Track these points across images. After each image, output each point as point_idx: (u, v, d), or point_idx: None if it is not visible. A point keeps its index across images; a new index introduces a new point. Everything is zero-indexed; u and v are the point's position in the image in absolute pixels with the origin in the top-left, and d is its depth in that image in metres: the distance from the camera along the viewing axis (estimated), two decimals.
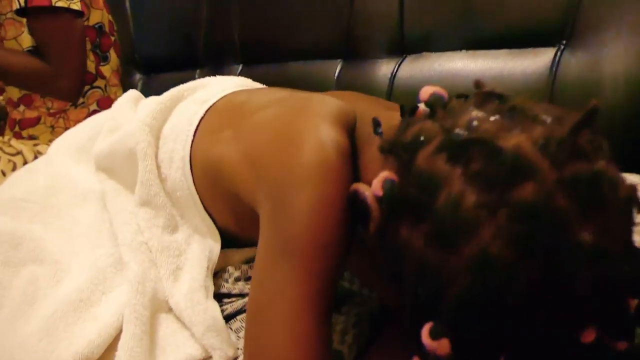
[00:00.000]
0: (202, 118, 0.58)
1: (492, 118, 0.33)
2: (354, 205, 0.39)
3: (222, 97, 0.61)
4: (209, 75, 1.18)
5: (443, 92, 0.38)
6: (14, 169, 0.88)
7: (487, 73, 0.82)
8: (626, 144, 0.65)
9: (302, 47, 1.05)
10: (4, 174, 0.87)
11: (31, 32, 0.93)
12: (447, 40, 0.87)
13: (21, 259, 0.56)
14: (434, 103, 0.37)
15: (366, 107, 0.50)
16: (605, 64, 0.70)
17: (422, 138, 0.35)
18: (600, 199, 0.30)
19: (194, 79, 1.22)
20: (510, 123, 0.32)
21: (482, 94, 0.36)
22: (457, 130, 0.33)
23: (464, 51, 0.85)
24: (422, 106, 0.38)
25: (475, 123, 0.33)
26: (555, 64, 0.74)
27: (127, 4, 1.28)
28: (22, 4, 0.87)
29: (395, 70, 0.92)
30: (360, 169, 0.43)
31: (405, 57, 0.92)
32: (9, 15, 0.93)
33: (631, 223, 0.32)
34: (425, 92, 0.37)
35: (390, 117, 0.41)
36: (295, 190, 0.40)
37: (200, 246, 0.56)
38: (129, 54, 1.26)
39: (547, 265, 0.29)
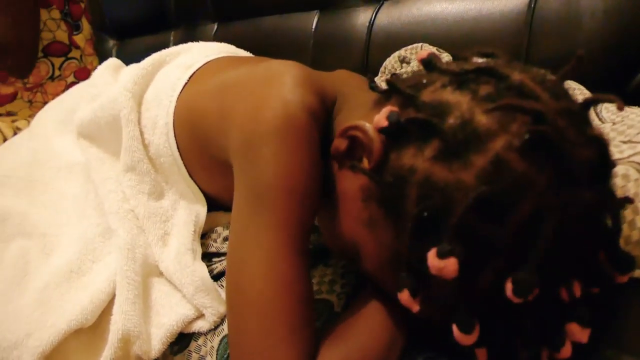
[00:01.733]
0: (186, 84, 0.58)
1: (491, 62, 0.35)
2: (349, 144, 0.39)
3: (206, 63, 0.61)
4: (184, 37, 1.17)
5: (438, 53, 0.40)
6: None
7: (466, 15, 0.80)
8: (604, 76, 0.65)
9: (276, 0, 1.02)
10: None
11: None
12: None
13: (9, 234, 0.57)
14: (432, 59, 0.38)
15: (358, 84, 0.51)
16: None
17: (424, 81, 0.37)
18: (589, 129, 0.33)
19: (169, 41, 1.21)
20: (509, 65, 0.35)
21: (477, 51, 0.38)
22: (464, 67, 0.35)
23: None
24: (406, 75, 0.41)
25: (477, 65, 0.35)
26: (533, 0, 0.73)
27: None
28: None
29: (373, 18, 0.90)
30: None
31: (383, 3, 0.90)
32: None
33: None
34: (423, 52, 0.39)
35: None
36: (262, 143, 0.41)
37: (187, 211, 0.57)
38: (99, 19, 1.21)
39: (557, 173, 0.30)
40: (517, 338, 0.34)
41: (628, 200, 0.35)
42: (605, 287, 0.36)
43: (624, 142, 0.46)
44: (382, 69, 0.82)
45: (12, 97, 0.98)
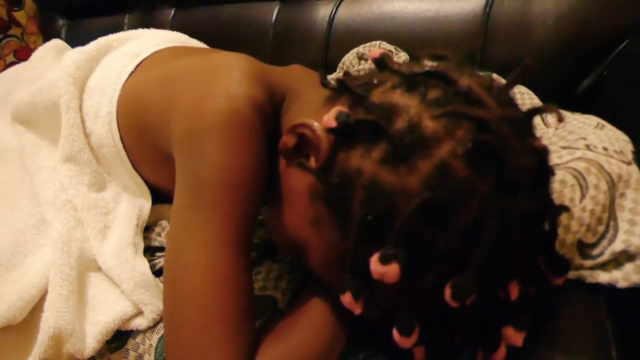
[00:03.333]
0: (132, 72, 0.55)
1: (442, 65, 0.35)
2: (297, 142, 0.39)
3: (155, 52, 0.58)
4: (139, 21, 1.13)
5: (390, 54, 0.39)
6: None
7: (424, 15, 0.81)
8: (553, 77, 0.68)
9: None
10: None
11: None
12: None
13: None
14: (384, 59, 0.38)
15: (310, 80, 0.50)
16: (535, 2, 0.71)
17: (375, 81, 0.36)
18: (532, 137, 0.33)
19: (122, 24, 1.16)
20: (458, 70, 0.35)
21: (429, 53, 0.37)
22: (413, 70, 0.35)
23: None
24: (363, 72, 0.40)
25: (428, 66, 0.35)
26: (488, 4, 0.74)
27: None
28: None
29: (333, 13, 0.89)
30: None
31: None
32: None
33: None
34: (376, 51, 0.38)
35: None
36: (204, 136, 0.39)
37: (130, 204, 0.55)
38: None
39: (499, 180, 0.30)
40: (454, 338, 0.35)
41: (564, 208, 0.36)
42: (543, 289, 0.36)
43: (563, 148, 0.48)
44: (340, 64, 0.82)
45: None
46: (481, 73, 0.36)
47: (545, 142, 0.49)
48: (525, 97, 0.61)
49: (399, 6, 0.84)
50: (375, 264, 0.30)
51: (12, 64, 0.94)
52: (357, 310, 0.33)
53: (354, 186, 0.33)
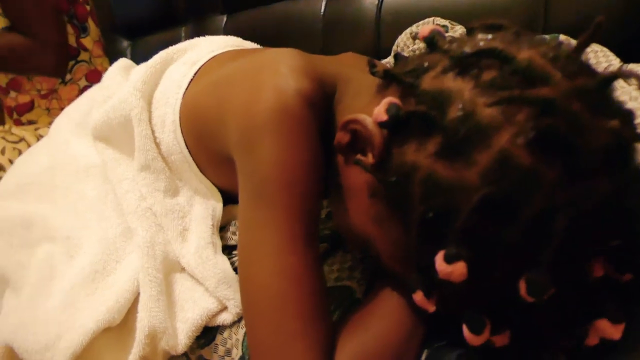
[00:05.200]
0: (192, 80, 0.57)
1: (497, 39, 0.33)
2: (351, 138, 0.38)
3: (211, 58, 0.60)
4: (195, 31, 1.17)
5: (442, 30, 0.38)
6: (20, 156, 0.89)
7: None
8: (625, 35, 0.62)
9: None
10: (11, 162, 0.89)
11: (5, 13, 0.90)
12: None
13: (34, 239, 0.58)
14: (434, 37, 0.36)
15: (357, 66, 0.49)
16: None
17: (425, 64, 0.34)
18: (610, 111, 0.30)
19: (180, 36, 1.21)
20: (516, 41, 0.32)
21: (483, 25, 0.35)
22: (465, 49, 0.32)
23: None
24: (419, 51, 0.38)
25: (481, 43, 0.32)
26: None
27: None
28: None
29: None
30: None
31: None
32: None
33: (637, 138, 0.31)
34: (425, 29, 0.36)
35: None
36: (258, 135, 0.40)
37: (203, 206, 0.57)
38: (110, 20, 1.22)
39: (568, 167, 0.28)
40: (539, 335, 0.33)
41: None
42: (633, 270, 0.33)
43: None
44: (394, 47, 0.80)
45: (31, 106, 1.01)
46: (547, 36, 0.34)
47: (629, 104, 0.45)
48: (600, 56, 0.56)
49: None
50: (440, 264, 0.29)
51: (85, 87, 1.01)
52: (431, 308, 0.33)
53: (412, 182, 0.32)
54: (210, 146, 0.53)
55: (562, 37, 0.60)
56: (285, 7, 1.01)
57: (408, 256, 0.34)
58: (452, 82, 0.32)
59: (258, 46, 0.79)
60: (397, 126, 0.33)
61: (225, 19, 1.12)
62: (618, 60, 0.55)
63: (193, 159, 0.56)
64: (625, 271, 0.32)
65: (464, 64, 0.32)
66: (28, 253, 0.57)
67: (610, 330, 0.30)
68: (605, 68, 0.54)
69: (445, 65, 0.33)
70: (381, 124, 0.34)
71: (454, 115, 0.30)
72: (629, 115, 0.31)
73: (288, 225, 0.38)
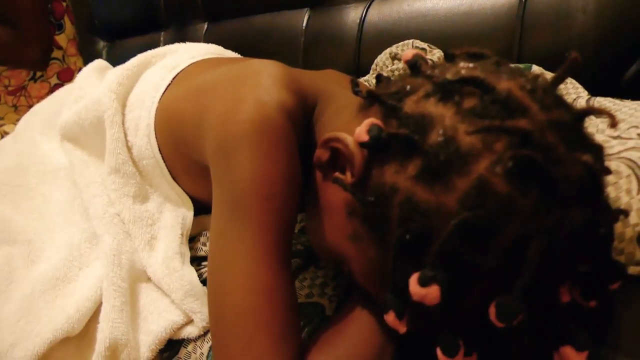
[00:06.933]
0: (169, 85, 0.57)
1: (479, 68, 0.33)
2: (331, 155, 0.38)
3: (191, 64, 0.60)
4: (175, 37, 1.16)
5: (424, 54, 0.38)
6: None
7: (457, 10, 0.79)
8: (598, 65, 0.65)
9: None
10: None
11: None
12: None
13: None
14: (417, 61, 0.36)
15: (342, 84, 0.49)
16: None
17: (408, 88, 0.35)
18: (583, 144, 0.31)
19: (159, 41, 1.19)
20: (497, 71, 0.33)
21: (465, 52, 0.36)
22: (447, 76, 0.33)
23: None
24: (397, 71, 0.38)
25: (463, 71, 0.33)
26: None
27: None
28: None
29: (363, 15, 0.89)
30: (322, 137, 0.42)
31: (373, 0, 0.89)
32: None
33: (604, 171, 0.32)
34: (408, 53, 0.37)
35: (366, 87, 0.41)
36: (236, 146, 0.39)
37: (173, 214, 0.56)
38: (88, 20, 1.20)
39: (544, 196, 0.29)
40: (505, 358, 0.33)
41: (622, 212, 0.34)
42: (598, 297, 0.34)
43: (614, 138, 0.45)
44: (373, 66, 0.81)
45: None
46: (521, 66, 0.35)
47: (596, 136, 0.47)
48: (569, 87, 0.58)
49: (430, 3, 0.82)
50: (414, 286, 0.29)
51: (56, 85, 0.98)
52: (402, 329, 0.33)
53: (390, 204, 0.32)
54: (185, 153, 0.52)
55: (535, 67, 0.63)
56: (267, 19, 1.01)
57: (382, 276, 0.34)
58: (434, 107, 0.32)
59: (239, 56, 0.79)
60: (378, 147, 0.33)
61: (206, 26, 1.12)
62: (586, 92, 0.58)
63: (166, 164, 0.55)
64: (591, 298, 0.33)
65: (446, 90, 0.32)
66: None
67: (574, 357, 0.31)
68: (574, 100, 0.57)
69: (427, 90, 0.33)
70: (362, 144, 0.34)
71: (435, 140, 0.31)
72: (599, 149, 0.32)
73: (263, 240, 0.38)
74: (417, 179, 0.31)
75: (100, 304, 0.49)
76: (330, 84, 0.51)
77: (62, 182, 0.61)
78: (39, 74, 0.98)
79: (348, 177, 0.36)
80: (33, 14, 0.92)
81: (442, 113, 0.31)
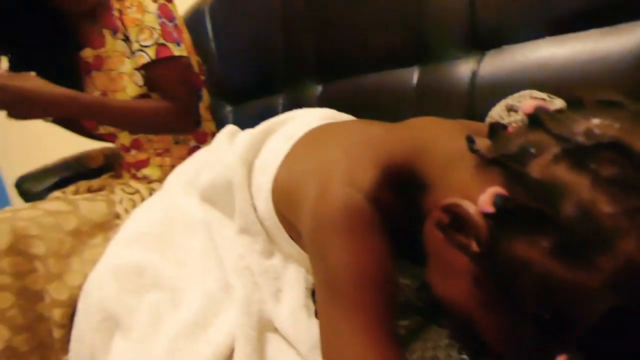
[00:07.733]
0: (287, 153, 0.62)
1: (615, 125, 0.30)
2: (452, 223, 0.37)
3: (306, 133, 0.65)
4: (291, 99, 1.26)
5: (547, 105, 0.36)
6: (134, 206, 1.00)
7: (578, 57, 0.76)
8: None
9: (376, 57, 1.05)
10: (127, 212, 0.99)
11: (150, 80, 1.03)
12: (527, 28, 0.83)
13: (144, 286, 0.63)
14: (539, 114, 0.35)
15: (443, 132, 0.50)
16: None
17: (532, 149, 0.33)
18: None
19: (277, 103, 1.30)
20: (636, 127, 0.30)
21: (595, 101, 0.33)
22: (578, 138, 0.31)
23: (547, 37, 0.80)
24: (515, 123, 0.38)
25: (597, 130, 0.30)
26: None
27: (212, 45, 1.39)
28: (152, 57, 1.00)
29: (475, 69, 0.89)
30: (436, 195, 0.42)
31: (485, 53, 0.89)
32: (121, 70, 1.05)
33: None
34: (528, 105, 0.35)
35: (481, 138, 0.40)
36: (325, 237, 0.42)
37: (296, 269, 0.60)
38: (218, 88, 1.36)
39: None
40: None
41: None
42: None
43: None
44: (487, 118, 0.80)
45: (146, 163, 1.13)
46: None
47: None
48: None
49: (547, 53, 0.80)
50: None
51: (194, 147, 1.13)
52: None
53: (523, 279, 0.31)
54: (294, 223, 0.56)
55: None
56: (378, 78, 1.05)
57: (514, 341, 0.33)
58: (567, 174, 0.30)
59: (352, 118, 0.83)
60: (505, 218, 0.33)
61: (320, 88, 1.20)
62: None
63: (283, 225, 0.60)
64: None
65: (578, 155, 0.30)
66: (138, 298, 0.62)
67: None
68: None
69: (556, 152, 0.32)
70: (487, 215, 0.34)
71: (570, 213, 0.29)
72: None
73: (367, 322, 0.39)
74: (553, 255, 0.30)
75: (232, 350, 0.53)
76: (427, 132, 0.51)
77: (200, 235, 0.69)
78: (181, 137, 1.12)
79: (473, 247, 0.35)
80: (186, 87, 1.08)
81: (576, 182, 0.30)
